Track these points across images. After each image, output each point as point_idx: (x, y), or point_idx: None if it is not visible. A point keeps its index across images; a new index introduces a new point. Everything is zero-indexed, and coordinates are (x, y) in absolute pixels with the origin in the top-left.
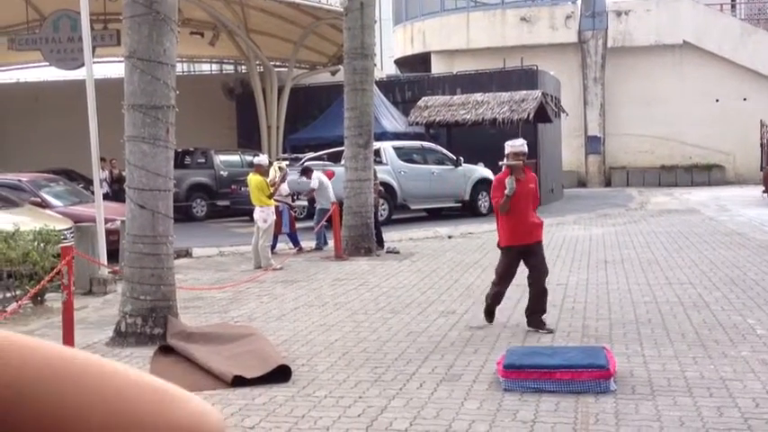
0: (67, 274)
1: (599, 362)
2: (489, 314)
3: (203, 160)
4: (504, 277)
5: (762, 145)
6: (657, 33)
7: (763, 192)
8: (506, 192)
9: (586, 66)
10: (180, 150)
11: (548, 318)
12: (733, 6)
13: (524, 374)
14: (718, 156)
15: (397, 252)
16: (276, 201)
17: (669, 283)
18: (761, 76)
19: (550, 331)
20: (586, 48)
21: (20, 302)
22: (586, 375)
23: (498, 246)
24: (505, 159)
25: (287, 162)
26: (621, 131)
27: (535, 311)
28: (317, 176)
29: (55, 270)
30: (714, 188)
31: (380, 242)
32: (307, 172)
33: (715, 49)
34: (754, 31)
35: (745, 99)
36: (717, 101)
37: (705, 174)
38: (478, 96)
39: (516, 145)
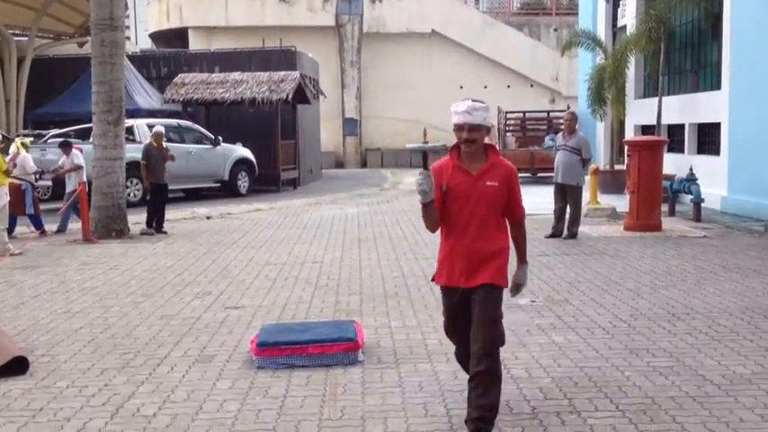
0: None
1: (348, 335)
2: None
3: None
4: (448, 332)
5: (499, 129)
6: (409, 21)
7: None
8: (419, 198)
9: (344, 50)
10: None
11: (305, 293)
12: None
13: (277, 351)
14: None
15: (152, 233)
16: (18, 179)
17: (416, 258)
18: (499, 66)
19: None
20: (343, 32)
21: None
22: (336, 348)
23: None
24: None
25: (30, 138)
26: (376, 114)
27: (477, 417)
28: (77, 153)
29: None
30: None
31: (160, 225)
32: (66, 147)
33: (459, 39)
34: (493, 24)
35: (485, 87)
36: (461, 87)
37: (446, 155)
38: (237, 75)
39: (459, 110)
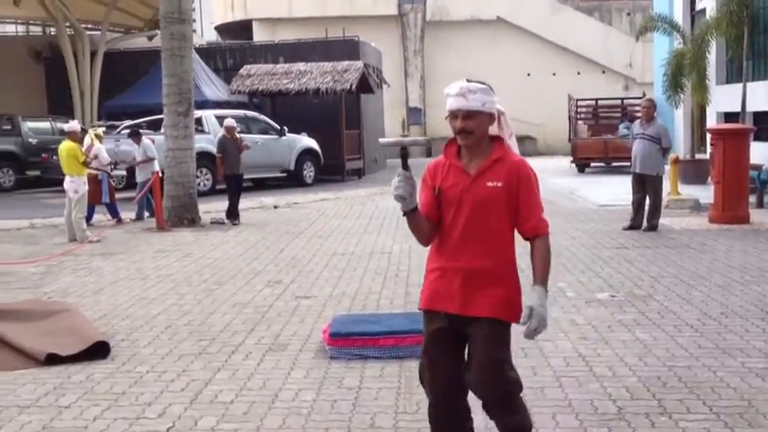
0: None
1: (421, 327)
2: None
3: (9, 127)
4: (422, 376)
5: (569, 118)
6: (473, 8)
7: (572, 162)
8: (400, 206)
9: (406, 38)
10: None
11: (374, 284)
12: None
13: (350, 342)
14: (529, 127)
15: (223, 222)
16: (95, 169)
17: None
18: (568, 52)
19: None
20: (406, 20)
21: None
22: (409, 341)
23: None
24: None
25: (102, 129)
26: (440, 103)
27: None
28: (149, 144)
29: None
30: (526, 159)
31: (235, 215)
32: (135, 136)
33: (526, 26)
34: (562, 9)
35: (554, 74)
36: (528, 75)
37: (518, 145)
38: (301, 66)
39: (452, 93)
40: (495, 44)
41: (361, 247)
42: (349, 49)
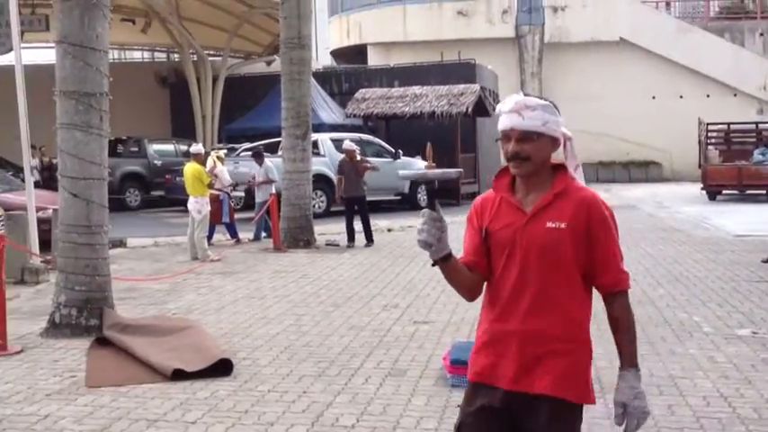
0: None
1: None
2: None
3: (136, 149)
4: None
5: (699, 143)
6: (594, 30)
7: (702, 189)
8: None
9: (524, 61)
10: (112, 139)
11: None
12: (668, 4)
13: None
14: (654, 152)
15: (337, 245)
16: (217, 190)
17: None
18: (697, 74)
19: None
20: (523, 43)
21: None
22: None
23: None
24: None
25: (224, 152)
26: None
27: None
28: (271, 167)
29: None
30: (651, 185)
31: (351, 237)
32: (258, 157)
33: (651, 47)
34: (689, 29)
35: (681, 97)
36: (653, 98)
37: (642, 170)
38: (417, 89)
39: (505, 110)
40: (617, 66)
41: None
42: (465, 72)
